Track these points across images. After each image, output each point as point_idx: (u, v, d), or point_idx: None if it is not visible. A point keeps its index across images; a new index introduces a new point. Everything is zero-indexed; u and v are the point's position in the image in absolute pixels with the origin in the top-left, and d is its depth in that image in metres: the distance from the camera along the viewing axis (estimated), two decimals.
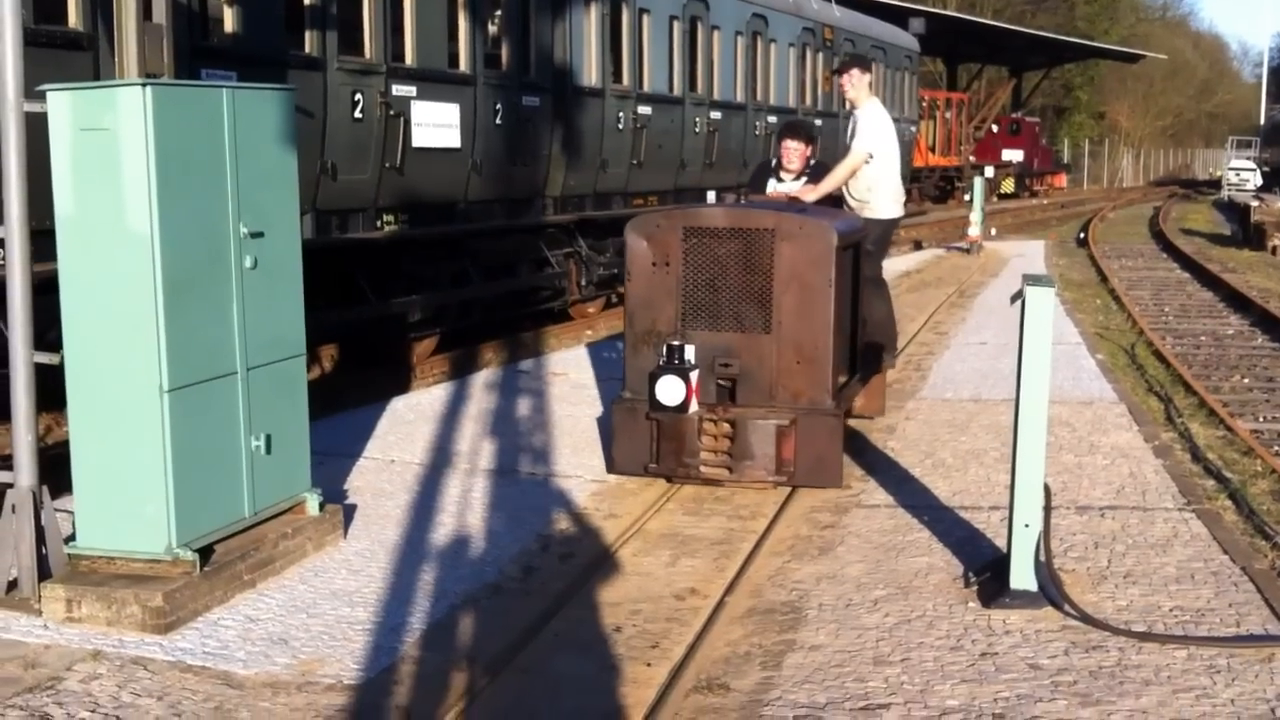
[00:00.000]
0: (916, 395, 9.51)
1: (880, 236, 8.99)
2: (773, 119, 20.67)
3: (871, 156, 8.82)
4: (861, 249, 7.92)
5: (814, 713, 4.24)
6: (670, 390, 6.61)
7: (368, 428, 8.20)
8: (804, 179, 8.72)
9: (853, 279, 7.59)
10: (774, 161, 8.94)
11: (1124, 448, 7.70)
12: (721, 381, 6.85)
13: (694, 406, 6.67)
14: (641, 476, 6.95)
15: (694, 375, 6.66)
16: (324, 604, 5.21)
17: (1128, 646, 4.71)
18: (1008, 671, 4.53)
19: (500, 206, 14.38)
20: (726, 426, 6.73)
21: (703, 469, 6.77)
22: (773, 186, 8.78)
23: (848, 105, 9.19)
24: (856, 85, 8.99)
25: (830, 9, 24.24)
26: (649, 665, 4.68)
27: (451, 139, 13.03)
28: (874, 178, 8.92)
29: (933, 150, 40.94)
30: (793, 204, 8.08)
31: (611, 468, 7.05)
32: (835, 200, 8.83)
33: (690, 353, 6.71)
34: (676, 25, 17.65)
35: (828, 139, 23.70)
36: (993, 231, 26.62)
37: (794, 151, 8.69)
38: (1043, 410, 5.06)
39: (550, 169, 15.11)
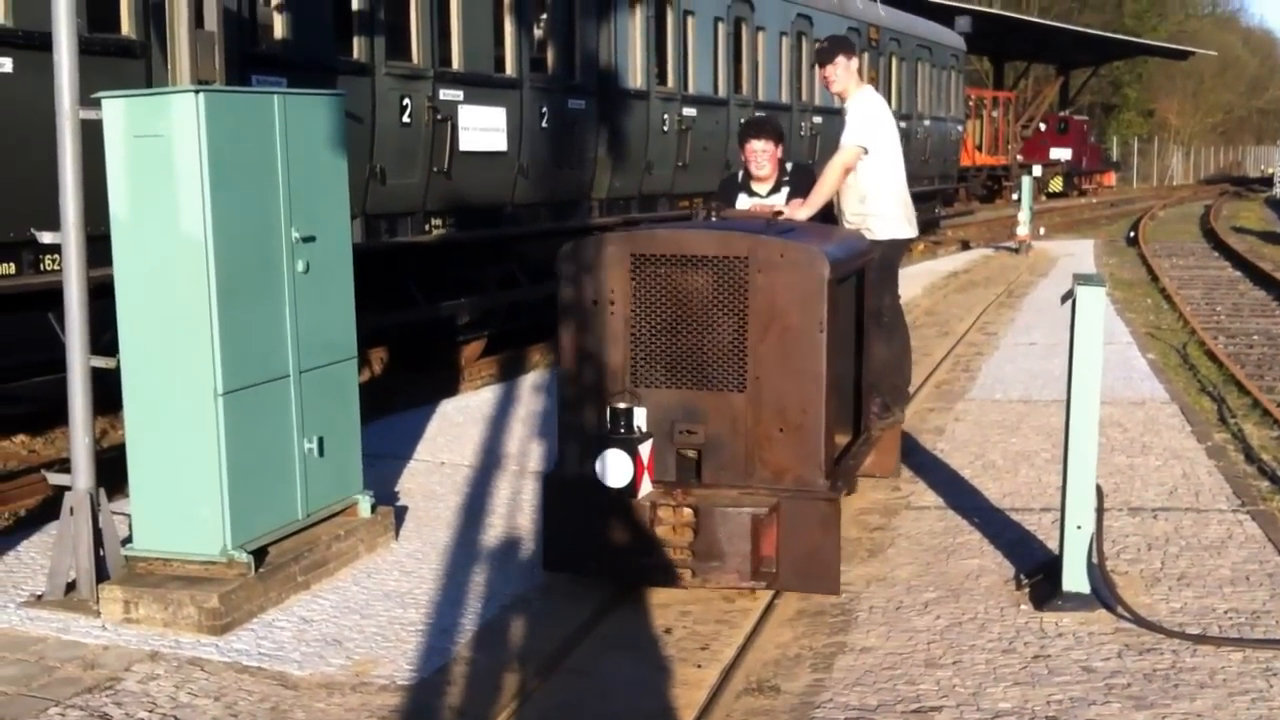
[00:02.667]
0: (965, 396, 9.46)
1: (885, 263, 7.00)
2: (818, 119, 20.62)
3: (866, 151, 6.96)
4: (866, 276, 6.45)
5: (865, 715, 4.23)
6: (615, 468, 5.18)
7: (417, 430, 8.25)
8: (785, 189, 7.14)
9: (856, 316, 6.27)
10: (740, 173, 7.31)
11: (1176, 449, 7.62)
12: (684, 453, 5.40)
13: (646, 488, 5.25)
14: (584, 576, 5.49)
15: (646, 447, 5.24)
16: (377, 605, 5.25)
17: (1182, 649, 4.67)
18: (1061, 674, 4.50)
19: (546, 209, 14.42)
20: (688, 514, 5.20)
21: (659, 570, 5.25)
22: (745, 202, 7.14)
23: (835, 100, 7.41)
24: (843, 74, 7.16)
25: (875, 8, 24.14)
26: (699, 667, 4.69)
27: (498, 143, 13.07)
28: (871, 185, 7.04)
29: (980, 149, 40.68)
30: (775, 222, 6.31)
31: (545, 564, 5.50)
32: (828, 217, 7.17)
33: (641, 417, 5.29)
34: (721, 26, 17.64)
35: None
36: (1041, 231, 26.42)
37: (762, 154, 7.06)
38: (1095, 411, 5.02)
39: (596, 171, 15.14)
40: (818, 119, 20.66)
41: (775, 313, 5.24)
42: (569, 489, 5.41)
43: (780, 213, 6.70)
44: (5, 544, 6.00)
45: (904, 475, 7.16)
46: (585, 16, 14.59)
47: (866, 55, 23.18)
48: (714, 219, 6.13)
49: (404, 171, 11.72)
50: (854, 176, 6.98)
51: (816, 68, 6.74)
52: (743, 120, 6.81)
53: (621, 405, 5.27)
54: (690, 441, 5.38)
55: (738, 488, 5.30)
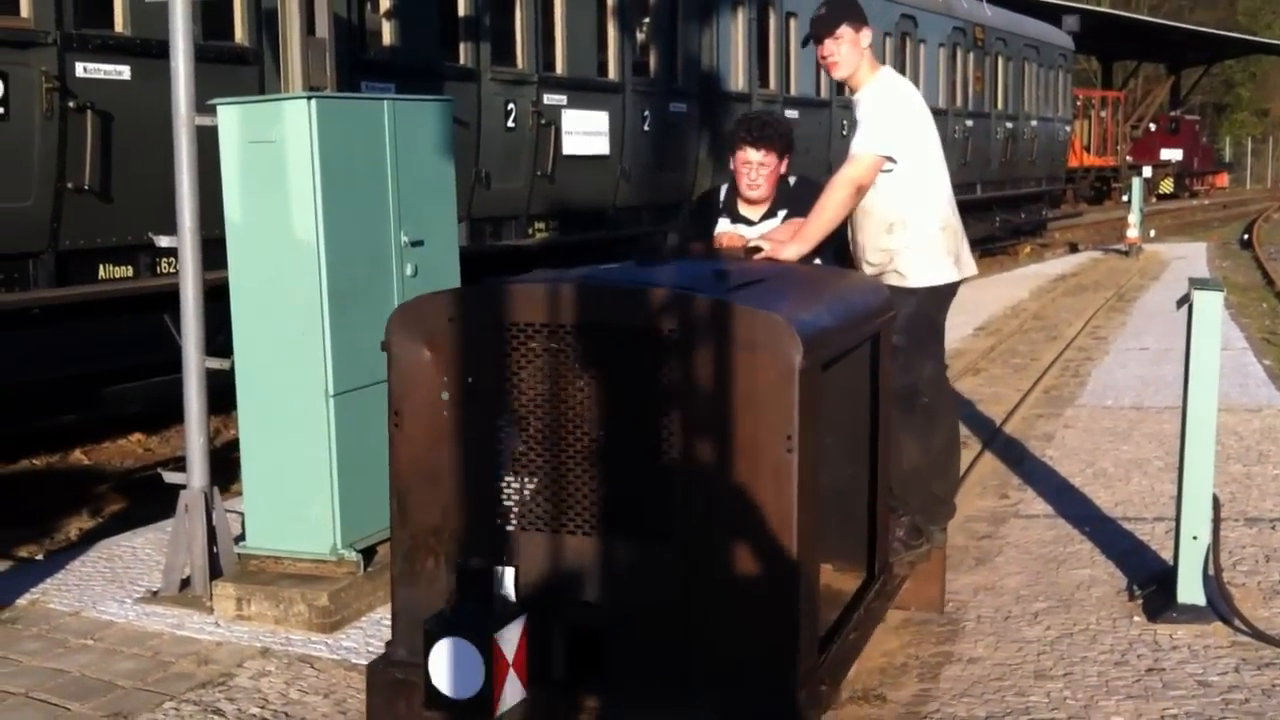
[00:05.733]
0: (1075, 402, 9.30)
1: (921, 321, 5.02)
2: None
3: (890, 161, 4.90)
4: (881, 347, 4.53)
5: None
6: (459, 669, 3.34)
7: None
8: (782, 213, 5.13)
9: (870, 402, 4.53)
10: (724, 189, 5.32)
11: None
12: (578, 639, 3.55)
13: (513, 697, 3.39)
14: None
15: (511, 634, 3.39)
16: None
17: None
18: (1175, 688, 4.39)
19: (648, 212, 14.45)
20: None
21: None
22: (725, 228, 5.19)
23: (846, 89, 5.33)
24: (849, 52, 4.99)
25: (981, 8, 23.84)
26: None
27: (601, 146, 13.13)
28: (900, 208, 4.96)
29: (1088, 150, 40.02)
30: (748, 263, 4.64)
31: None
32: (842, 257, 5.21)
33: (509, 582, 3.52)
34: None
35: (976, 140, 23.31)
36: (1151, 233, 25.91)
37: (759, 169, 5.08)
38: (1211, 418, 4.90)
39: (697, 174, 15.13)
40: None
41: (720, 418, 3.42)
42: (402, 683, 3.64)
43: (758, 249, 4.81)
44: (123, 541, 6.15)
45: (1012, 483, 7.05)
46: (688, 20, 14.60)
47: (972, 55, 22.91)
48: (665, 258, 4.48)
49: (508, 175, 11.82)
50: (875, 197, 4.95)
51: (813, 43, 4.96)
52: (739, 116, 5.55)
53: (477, 563, 3.49)
54: (588, 620, 3.52)
55: (663, 697, 3.47)
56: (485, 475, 3.64)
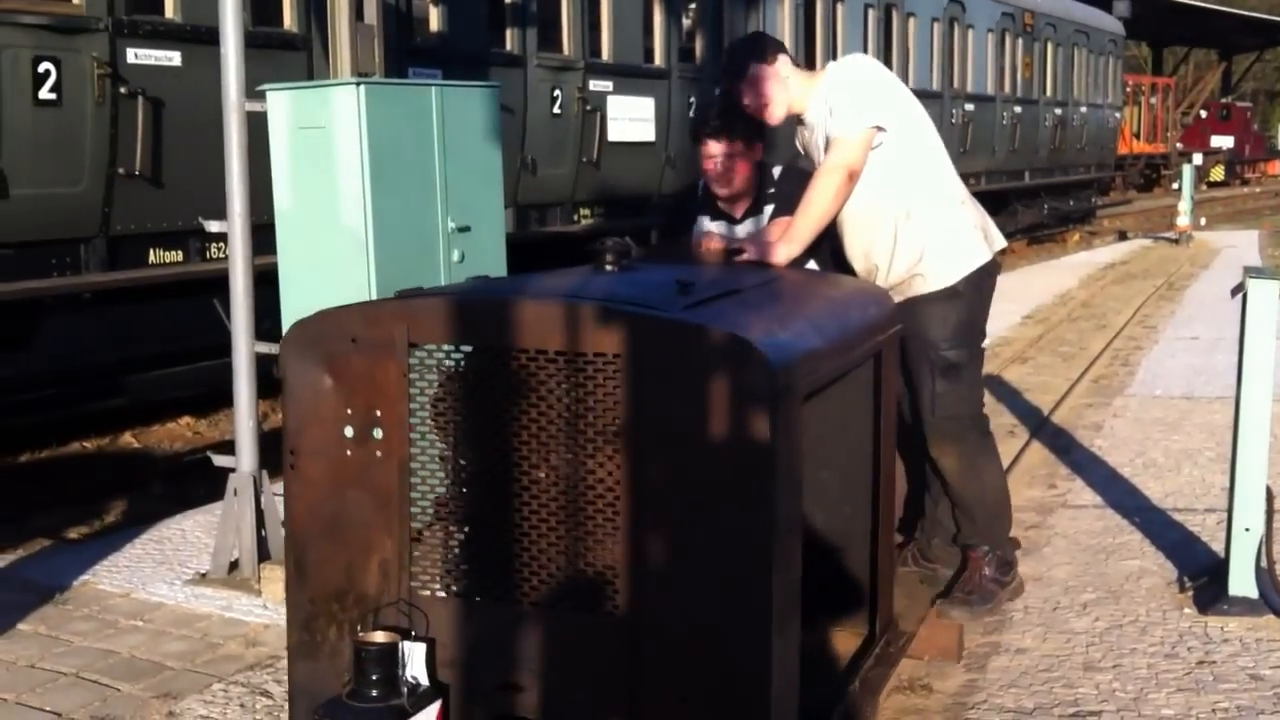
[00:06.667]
0: (1124, 392, 9.21)
1: (967, 329, 4.53)
2: (970, 107, 20.26)
3: (881, 131, 4.31)
4: (885, 365, 3.95)
5: (1021, 717, 4.14)
6: None
7: None
8: (768, 209, 4.64)
9: (874, 439, 3.98)
10: (701, 183, 4.79)
11: None
12: None
13: None
14: None
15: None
16: None
17: None
18: (1226, 681, 4.34)
19: None
20: None
21: None
22: (706, 226, 4.74)
23: (772, 120, 4.60)
24: (773, 91, 4.46)
25: None
26: None
27: (646, 133, 13.12)
28: (906, 191, 4.40)
29: (1137, 137, 39.61)
30: (725, 269, 4.09)
31: None
32: (837, 257, 4.63)
33: (421, 660, 2.96)
34: (871, 14, 17.43)
35: (1023, 128, 23.13)
36: (1202, 221, 25.59)
37: (723, 160, 4.56)
38: (1266, 409, 4.84)
39: None
40: (969, 106, 20.29)
41: (676, 463, 2.86)
42: None
43: (740, 251, 4.27)
44: (172, 524, 6.21)
45: (1061, 473, 6.99)
46: (734, 6, 14.55)
47: (1021, 40, 22.71)
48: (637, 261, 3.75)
49: (554, 162, 11.83)
50: (874, 189, 4.34)
51: (728, 81, 4.54)
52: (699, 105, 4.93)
53: (381, 638, 2.91)
54: (520, 705, 3.00)
55: None
56: (397, 528, 3.06)
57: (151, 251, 8.52)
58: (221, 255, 7.58)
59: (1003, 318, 12.01)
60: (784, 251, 4.22)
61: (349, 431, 3.10)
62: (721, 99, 4.66)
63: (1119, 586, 5.27)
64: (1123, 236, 25.16)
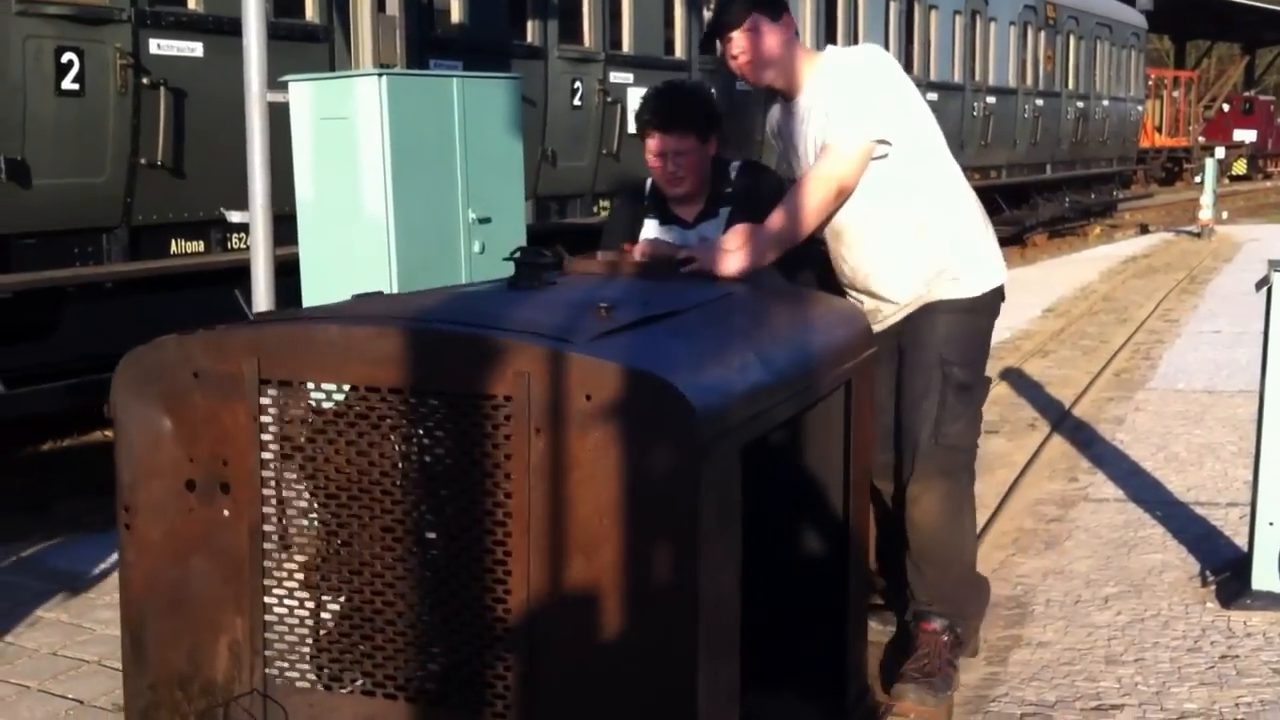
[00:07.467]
0: (1146, 385, 9.17)
1: (978, 346, 3.98)
2: (991, 100, 20.18)
3: (885, 145, 3.75)
4: (855, 395, 3.37)
5: (1043, 711, 4.13)
6: None
7: None
8: (724, 212, 4.06)
9: (843, 479, 3.40)
10: (649, 181, 4.21)
11: None
12: None
13: None
14: None
15: None
16: None
17: None
18: (1250, 675, 4.32)
19: None
20: None
21: None
22: (654, 232, 4.13)
23: (797, 103, 3.88)
24: (772, 45, 3.77)
25: None
26: None
27: None
28: (920, 202, 3.85)
29: (1159, 130, 39.42)
30: (667, 284, 3.39)
31: None
32: (823, 278, 4.04)
33: None
34: (893, 6, 17.38)
35: (1044, 120, 23.04)
36: (1224, 215, 25.46)
37: (673, 157, 3.98)
38: None
39: (762, 154, 15.07)
40: (991, 99, 20.21)
41: (578, 537, 2.37)
42: None
43: (691, 259, 3.59)
44: None
45: (1082, 466, 6.96)
46: None
47: (1043, 33, 22.61)
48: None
49: (574, 154, 11.83)
50: (881, 200, 3.80)
51: (719, 43, 3.80)
52: (645, 92, 4.12)
53: None
54: None
55: None
56: (249, 603, 2.53)
57: (173, 242, 8.54)
58: (243, 246, 7.61)
59: (1023, 311, 11.97)
60: (736, 262, 3.57)
61: (192, 486, 2.55)
62: (667, 86, 4.16)
63: (1141, 580, 5.25)
64: (1144, 230, 25.06)
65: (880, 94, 3.77)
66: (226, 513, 2.55)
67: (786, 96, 3.91)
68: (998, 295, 4.00)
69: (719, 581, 2.42)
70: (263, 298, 5.31)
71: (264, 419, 2.51)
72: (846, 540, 3.42)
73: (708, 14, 13.98)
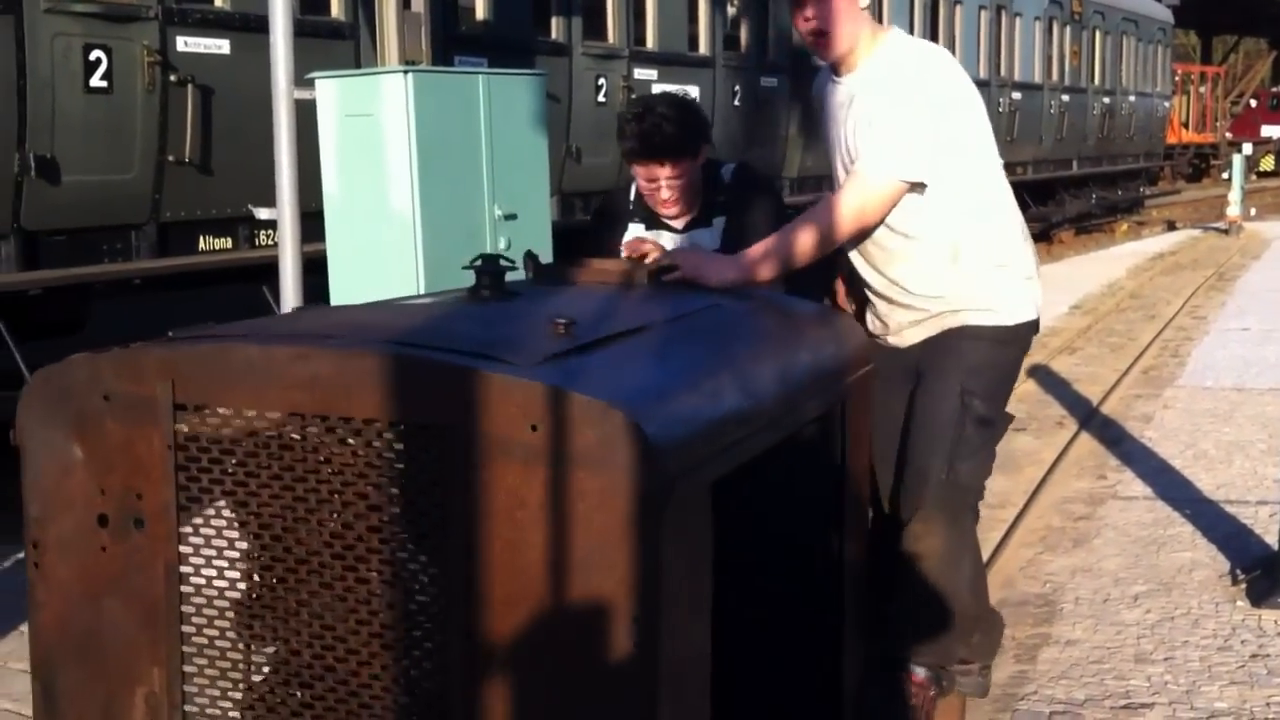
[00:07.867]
0: (1174, 383, 9.12)
1: (1004, 379, 3.69)
2: (1017, 95, 20.08)
3: (920, 187, 3.44)
4: (850, 416, 3.08)
5: (1072, 709, 4.11)
6: None
7: None
8: (719, 221, 3.86)
9: (836, 507, 3.09)
10: (633, 186, 3.92)
11: None
12: None
13: None
14: None
15: None
16: None
17: None
18: None
19: None
20: None
21: None
22: (638, 234, 3.85)
23: (830, 53, 3.49)
24: (845, 11, 3.40)
25: None
26: None
27: None
28: (958, 223, 3.52)
29: (1186, 126, 39.17)
30: (645, 290, 3.09)
31: None
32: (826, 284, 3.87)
33: None
34: (917, 1, 17.32)
35: (1071, 116, 22.92)
36: (1252, 211, 25.29)
37: (665, 185, 3.75)
38: None
39: (788, 150, 15.04)
40: (1016, 94, 20.12)
41: (525, 587, 2.09)
42: None
43: (674, 268, 3.19)
44: None
45: (1110, 464, 6.93)
46: None
47: (1069, 28, 22.50)
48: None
49: (599, 150, 11.81)
50: (919, 217, 3.49)
51: (790, 9, 3.46)
52: (621, 110, 4.02)
53: None
54: None
55: None
56: (165, 651, 2.29)
57: (201, 238, 8.57)
58: (271, 242, 7.61)
59: (1050, 308, 11.90)
60: (728, 272, 3.24)
61: (104, 521, 2.30)
62: (644, 107, 3.80)
63: (1170, 578, 5.22)
64: (1171, 227, 24.91)
65: (922, 127, 3.39)
66: (141, 550, 2.28)
67: (836, 71, 3.58)
68: (1031, 329, 3.68)
69: (685, 642, 2.14)
70: (290, 294, 5.32)
71: (179, 449, 2.24)
72: (841, 580, 3.08)
73: (731, 10, 13.97)
